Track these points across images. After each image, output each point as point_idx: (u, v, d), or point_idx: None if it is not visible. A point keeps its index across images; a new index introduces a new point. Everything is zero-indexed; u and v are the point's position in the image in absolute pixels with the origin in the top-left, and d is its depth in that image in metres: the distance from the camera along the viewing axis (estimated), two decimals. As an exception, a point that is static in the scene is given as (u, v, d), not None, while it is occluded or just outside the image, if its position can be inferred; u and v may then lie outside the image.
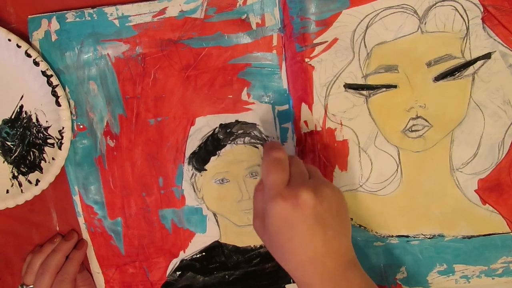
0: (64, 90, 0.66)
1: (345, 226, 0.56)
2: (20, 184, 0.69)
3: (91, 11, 0.65)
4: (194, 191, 0.69)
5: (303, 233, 0.53)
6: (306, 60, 0.64)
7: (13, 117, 0.68)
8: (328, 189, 0.54)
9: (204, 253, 0.71)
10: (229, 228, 0.70)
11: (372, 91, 0.64)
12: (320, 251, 0.53)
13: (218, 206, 0.70)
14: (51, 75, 0.64)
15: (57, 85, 0.64)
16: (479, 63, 0.63)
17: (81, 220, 0.71)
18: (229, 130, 0.67)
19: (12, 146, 0.69)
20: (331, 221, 0.54)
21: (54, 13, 0.65)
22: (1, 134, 0.69)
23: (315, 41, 0.64)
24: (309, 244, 0.53)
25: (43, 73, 0.64)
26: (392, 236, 0.68)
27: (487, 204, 0.66)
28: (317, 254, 0.53)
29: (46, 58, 0.66)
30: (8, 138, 0.69)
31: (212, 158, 0.68)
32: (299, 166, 0.57)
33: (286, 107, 0.67)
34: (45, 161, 0.68)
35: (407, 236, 0.68)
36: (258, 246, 0.71)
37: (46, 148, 0.68)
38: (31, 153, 0.68)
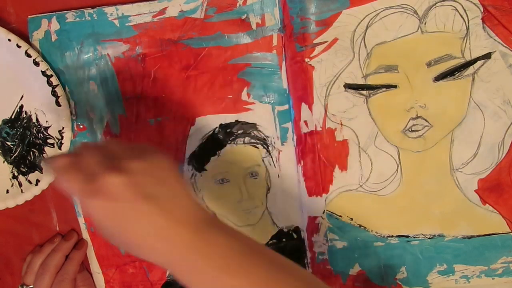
0: (64, 90, 0.66)
1: (179, 188, 0.49)
2: (20, 184, 0.69)
3: (91, 11, 0.65)
4: (194, 191, 0.69)
5: (134, 218, 0.46)
6: (306, 60, 0.64)
7: (13, 117, 0.68)
8: (135, 161, 0.47)
9: (204, 253, 0.71)
10: (229, 228, 0.70)
11: (372, 91, 0.64)
12: (163, 225, 0.46)
13: (218, 206, 0.70)
14: (51, 75, 0.64)
15: (57, 85, 0.65)
16: (479, 63, 0.63)
17: (81, 220, 0.71)
18: (229, 130, 0.67)
19: (12, 146, 0.69)
20: (156, 190, 0.47)
21: (54, 13, 0.65)
22: (1, 134, 0.69)
23: (315, 41, 0.64)
24: (146, 225, 0.46)
25: (43, 73, 0.64)
26: (392, 236, 0.68)
27: (487, 204, 0.66)
28: (160, 230, 0.46)
29: (46, 58, 0.66)
30: (8, 138, 0.69)
31: (212, 158, 0.68)
32: (94, 154, 0.49)
33: (286, 107, 0.67)
34: (46, 161, 0.68)
35: (407, 236, 0.68)
36: (258, 246, 0.71)
37: (46, 148, 0.68)
38: (31, 153, 0.68)
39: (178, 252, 0.46)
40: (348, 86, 0.65)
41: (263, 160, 0.68)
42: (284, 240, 0.70)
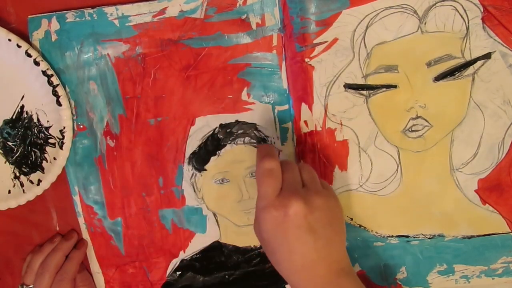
0: (64, 90, 0.66)
1: (339, 234, 0.57)
2: (22, 185, 0.69)
3: (91, 11, 0.65)
4: (194, 191, 0.69)
5: (294, 241, 0.54)
6: (306, 60, 0.64)
7: (14, 117, 0.68)
8: (320, 199, 0.55)
9: (204, 253, 0.71)
10: (229, 228, 0.70)
11: (372, 91, 0.64)
12: (311, 259, 0.54)
13: (218, 206, 0.70)
14: (52, 75, 0.64)
15: (57, 85, 0.65)
16: (479, 63, 0.63)
17: (81, 220, 0.71)
18: (229, 130, 0.67)
19: (13, 147, 0.69)
20: (322, 230, 0.54)
21: (54, 13, 0.65)
22: (2, 134, 0.69)
23: (315, 41, 0.64)
24: (299, 252, 0.54)
25: (44, 72, 0.64)
26: (392, 236, 0.68)
27: (487, 204, 0.66)
28: (307, 261, 0.54)
29: (46, 58, 0.66)
30: (9, 138, 0.69)
31: (212, 158, 0.68)
32: (293, 173, 0.57)
33: (286, 107, 0.67)
34: (47, 161, 0.68)
35: (407, 236, 0.68)
36: (258, 246, 0.71)
37: (48, 148, 0.68)
38: (33, 153, 0.69)
39: (312, 285, 0.55)
40: (348, 86, 0.65)
41: (263, 160, 0.68)
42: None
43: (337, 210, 0.57)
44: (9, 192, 0.69)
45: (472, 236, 0.67)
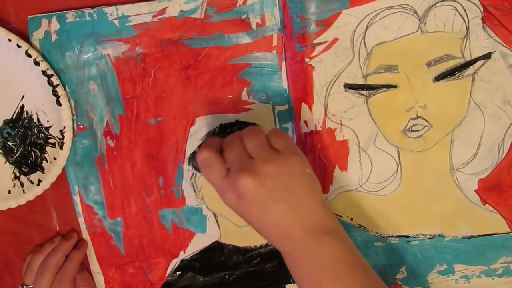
0: (64, 90, 0.66)
1: (303, 195, 0.55)
2: (22, 185, 0.69)
3: (91, 11, 0.65)
4: (194, 191, 0.69)
5: (258, 215, 0.54)
6: (306, 60, 0.64)
7: (14, 117, 0.68)
8: (269, 165, 0.53)
9: (204, 253, 0.71)
10: (229, 228, 0.70)
11: (372, 91, 0.64)
12: (281, 226, 0.54)
13: (218, 206, 0.70)
14: (52, 75, 0.64)
15: (57, 85, 0.65)
16: (479, 63, 0.63)
17: (81, 220, 0.71)
18: (229, 130, 0.67)
19: (13, 147, 0.69)
20: (280, 196, 0.53)
21: (54, 13, 0.65)
22: (2, 134, 0.69)
23: (315, 41, 0.64)
24: (268, 223, 0.54)
25: (44, 72, 0.64)
26: (392, 236, 0.68)
27: (487, 204, 0.66)
28: (279, 229, 0.54)
29: (46, 58, 0.66)
30: (9, 138, 0.69)
31: (212, 158, 0.68)
32: (234, 150, 0.56)
33: (286, 107, 0.67)
34: (47, 161, 0.68)
35: (407, 236, 0.68)
36: (258, 246, 0.71)
37: (48, 148, 0.68)
38: (33, 153, 0.69)
39: (292, 248, 0.55)
40: (348, 86, 0.65)
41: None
42: (284, 240, 0.70)
43: (294, 169, 0.55)
44: (9, 192, 0.69)
45: (472, 236, 0.67)
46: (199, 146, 0.68)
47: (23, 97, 0.67)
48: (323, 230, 0.54)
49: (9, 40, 0.63)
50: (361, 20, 0.63)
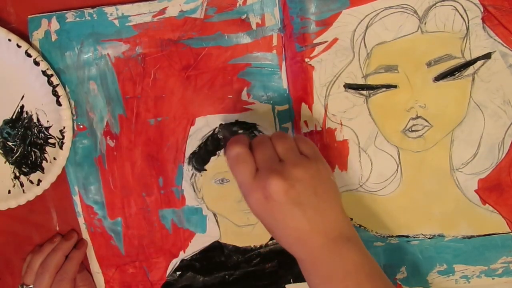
0: (64, 90, 0.66)
1: (329, 200, 0.55)
2: (21, 185, 0.69)
3: (91, 11, 0.65)
4: (194, 191, 0.69)
5: (283, 219, 0.53)
6: (306, 60, 0.64)
7: (14, 117, 0.68)
8: (299, 169, 0.54)
9: (204, 253, 0.71)
10: (229, 228, 0.70)
11: (372, 91, 0.64)
12: (304, 231, 0.53)
13: (218, 206, 0.70)
14: (52, 75, 0.64)
15: (57, 85, 0.65)
16: (479, 63, 0.63)
17: (81, 220, 0.71)
18: (234, 128, 0.67)
19: (13, 147, 0.69)
20: (308, 200, 0.53)
21: (54, 13, 0.65)
22: (2, 134, 0.69)
23: (315, 41, 0.64)
24: (291, 227, 0.54)
25: (44, 72, 0.64)
26: (392, 236, 0.68)
27: (487, 204, 0.66)
28: (301, 234, 0.54)
29: (46, 58, 0.66)
30: (9, 138, 0.69)
31: (212, 158, 0.68)
32: (265, 150, 0.56)
33: (286, 107, 0.67)
34: (47, 161, 0.68)
35: (407, 236, 0.68)
36: (258, 246, 0.71)
37: (48, 148, 0.68)
38: (33, 153, 0.68)
39: (311, 254, 0.54)
40: (348, 86, 0.65)
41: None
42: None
43: (321, 175, 0.55)
44: (9, 192, 0.69)
45: (472, 236, 0.67)
46: (199, 146, 0.68)
47: (23, 97, 0.67)
48: (344, 237, 0.54)
49: (9, 40, 0.63)
50: (361, 20, 0.63)
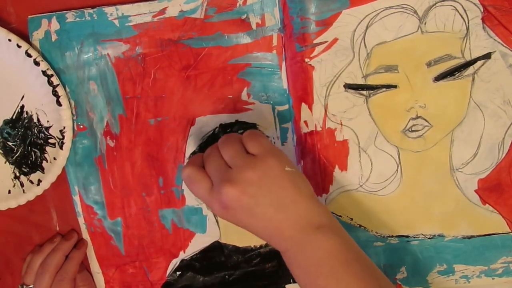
0: (64, 90, 0.66)
1: (287, 194, 0.55)
2: (22, 185, 0.69)
3: (91, 11, 0.65)
4: (194, 191, 0.69)
5: (248, 221, 0.55)
6: (306, 60, 0.64)
7: (14, 117, 0.68)
8: (247, 172, 0.54)
9: (204, 253, 0.71)
10: (229, 228, 0.70)
11: (372, 91, 0.64)
12: (272, 228, 0.55)
13: (218, 206, 0.70)
14: (52, 75, 0.64)
15: (57, 85, 0.65)
16: (479, 63, 0.63)
17: (81, 220, 0.71)
18: (229, 130, 0.67)
19: (13, 147, 0.69)
20: (264, 200, 0.54)
21: (54, 13, 0.65)
22: (2, 134, 0.69)
23: (315, 41, 0.64)
24: (259, 227, 0.55)
25: (44, 72, 0.64)
26: (392, 236, 0.68)
27: (487, 204, 0.66)
28: (270, 231, 0.55)
29: (46, 58, 0.66)
30: (9, 138, 0.69)
31: (212, 158, 0.68)
32: (214, 162, 0.57)
33: (286, 107, 0.67)
34: (47, 161, 0.68)
35: (407, 236, 0.68)
36: (258, 246, 0.71)
37: (48, 148, 0.68)
38: (33, 153, 0.68)
39: (286, 247, 0.55)
40: (348, 86, 0.65)
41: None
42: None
43: (273, 170, 0.55)
44: (9, 192, 0.69)
45: (472, 236, 0.67)
46: (199, 146, 0.68)
47: (23, 97, 0.67)
48: (313, 226, 0.55)
49: (9, 40, 0.63)
50: (361, 20, 0.63)
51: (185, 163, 0.69)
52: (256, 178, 0.54)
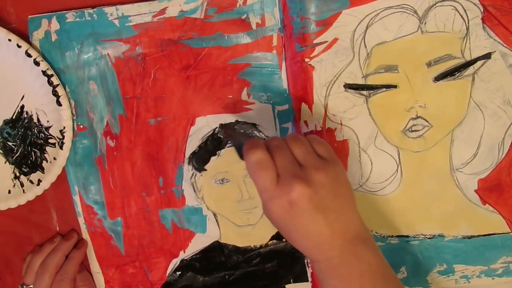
0: (64, 90, 0.66)
1: (347, 202, 0.55)
2: (22, 185, 0.69)
3: (91, 11, 0.65)
4: (194, 191, 0.69)
5: (305, 224, 0.53)
6: (306, 60, 0.64)
7: (14, 117, 0.68)
8: (320, 174, 0.53)
9: (204, 253, 0.71)
10: (229, 228, 0.70)
11: (372, 91, 0.64)
12: (325, 235, 0.53)
13: (218, 206, 0.70)
14: (52, 75, 0.64)
15: (57, 85, 0.65)
16: (479, 63, 0.63)
17: (81, 220, 0.71)
18: (235, 128, 0.67)
19: (13, 147, 0.69)
20: (330, 204, 0.53)
21: (54, 13, 0.65)
22: (2, 134, 0.69)
23: (315, 41, 0.64)
24: (313, 232, 0.53)
25: (44, 72, 0.64)
26: (392, 236, 0.68)
27: (487, 204, 0.66)
28: (322, 238, 0.53)
29: (46, 58, 0.66)
30: (9, 138, 0.69)
31: (212, 158, 0.68)
32: (285, 156, 0.54)
33: (286, 107, 0.67)
34: (47, 161, 0.68)
35: (407, 236, 0.68)
36: (258, 246, 0.71)
37: (48, 148, 0.68)
38: (33, 153, 0.69)
39: (329, 256, 0.54)
40: (348, 86, 0.65)
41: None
42: (284, 240, 0.70)
43: (340, 178, 0.55)
44: (9, 192, 0.69)
45: (472, 236, 0.67)
46: (199, 147, 0.68)
47: (23, 97, 0.67)
48: (361, 238, 0.54)
49: (9, 40, 0.63)
50: (361, 20, 0.63)
51: (185, 163, 0.69)
52: (328, 181, 0.53)
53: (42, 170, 0.68)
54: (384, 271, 0.54)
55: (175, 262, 0.72)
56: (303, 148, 0.55)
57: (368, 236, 0.55)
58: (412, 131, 0.65)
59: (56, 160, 0.68)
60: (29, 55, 0.63)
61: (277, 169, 0.53)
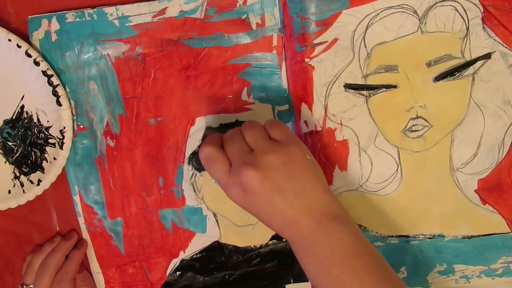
0: (64, 90, 0.66)
1: (307, 181, 0.55)
2: (22, 185, 0.69)
3: (91, 11, 0.65)
4: (194, 191, 0.69)
5: (265, 208, 0.54)
6: (306, 60, 0.64)
7: (14, 117, 0.68)
8: (270, 157, 0.54)
9: (204, 253, 0.71)
10: (229, 228, 0.70)
11: (372, 91, 0.64)
12: (289, 216, 0.54)
13: (218, 206, 0.70)
14: (52, 75, 0.64)
15: (57, 85, 0.65)
16: (479, 63, 0.63)
17: (81, 220, 0.71)
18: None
19: (13, 147, 0.69)
20: (286, 185, 0.53)
21: (54, 13, 0.65)
22: (2, 134, 0.69)
23: (315, 41, 0.64)
24: (276, 214, 0.54)
25: (44, 73, 0.64)
26: (392, 236, 0.68)
27: (487, 204, 0.66)
28: (287, 219, 0.54)
29: (46, 58, 0.66)
30: (9, 138, 0.69)
31: (212, 158, 0.68)
32: (235, 144, 0.56)
33: (286, 107, 0.67)
34: (47, 161, 0.68)
35: (407, 236, 0.68)
36: (258, 246, 0.71)
37: (48, 148, 0.68)
38: (33, 153, 0.69)
39: (300, 236, 0.54)
40: (348, 86, 0.65)
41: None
42: (284, 240, 0.70)
43: (295, 157, 0.55)
44: (9, 192, 0.69)
45: (472, 236, 0.67)
46: (199, 146, 0.68)
47: (23, 97, 0.67)
48: (329, 215, 0.54)
49: (9, 40, 0.63)
50: (361, 20, 0.63)
51: (185, 163, 0.69)
52: (280, 163, 0.54)
53: (42, 170, 0.68)
54: (358, 249, 0.54)
55: (175, 262, 0.72)
56: (254, 134, 0.57)
57: (340, 213, 0.55)
58: (412, 131, 0.65)
59: (56, 160, 0.68)
60: (29, 55, 0.63)
61: (230, 159, 0.56)
